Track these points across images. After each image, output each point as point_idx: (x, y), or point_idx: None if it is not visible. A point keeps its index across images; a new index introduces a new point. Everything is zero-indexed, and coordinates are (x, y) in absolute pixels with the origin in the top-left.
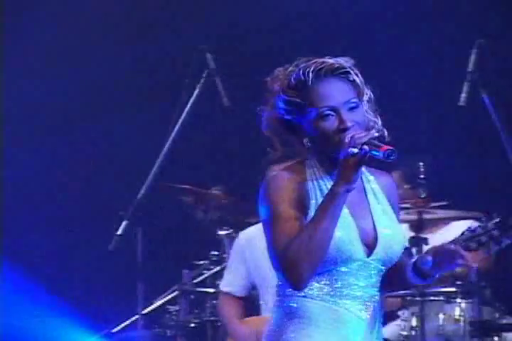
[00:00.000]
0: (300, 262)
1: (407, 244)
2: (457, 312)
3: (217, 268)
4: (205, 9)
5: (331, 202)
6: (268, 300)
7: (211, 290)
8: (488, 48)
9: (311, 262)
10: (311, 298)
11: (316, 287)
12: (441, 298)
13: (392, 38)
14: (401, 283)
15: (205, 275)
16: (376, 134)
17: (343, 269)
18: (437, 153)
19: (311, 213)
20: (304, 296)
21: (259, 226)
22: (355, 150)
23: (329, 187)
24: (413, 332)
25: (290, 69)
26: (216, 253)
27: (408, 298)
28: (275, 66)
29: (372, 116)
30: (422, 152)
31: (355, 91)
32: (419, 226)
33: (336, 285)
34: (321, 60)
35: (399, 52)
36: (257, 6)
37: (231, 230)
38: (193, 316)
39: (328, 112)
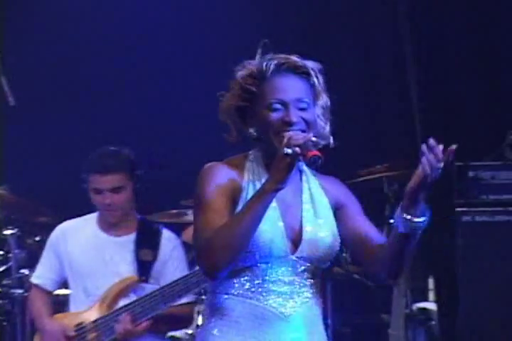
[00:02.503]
0: (217, 254)
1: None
2: None
3: (3, 267)
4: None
5: (257, 200)
6: (79, 296)
7: None
8: (272, 48)
9: (227, 255)
10: (233, 295)
11: (237, 283)
12: None
13: (177, 41)
14: (382, 265)
15: None
16: (314, 138)
17: (264, 265)
18: None
19: (240, 207)
20: (226, 293)
21: (78, 220)
22: (289, 150)
23: (263, 182)
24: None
25: (256, 60)
26: (1, 252)
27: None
28: (66, 66)
29: (323, 122)
30: None
31: (312, 93)
32: None
33: (258, 281)
34: (287, 56)
35: (182, 55)
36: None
37: (16, 230)
38: None
39: (277, 105)
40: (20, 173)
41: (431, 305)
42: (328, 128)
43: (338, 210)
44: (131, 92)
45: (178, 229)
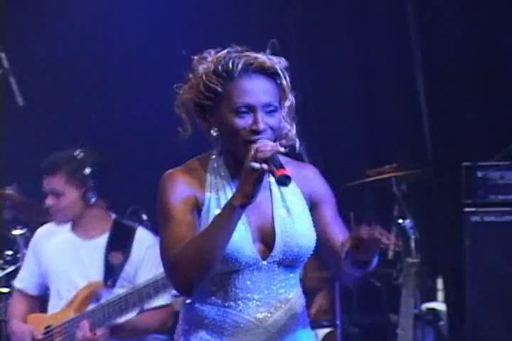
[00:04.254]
0: (187, 271)
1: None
2: None
3: (12, 267)
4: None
5: (226, 216)
6: (54, 299)
7: (5, 290)
8: (280, 48)
9: (198, 272)
10: (206, 303)
11: (210, 291)
12: None
13: (188, 39)
14: (348, 275)
15: (0, 274)
16: (282, 150)
17: (236, 274)
18: None
19: (206, 217)
20: (199, 301)
21: (55, 223)
22: (257, 165)
23: (227, 191)
24: None
25: (221, 54)
26: (10, 252)
27: None
28: (74, 65)
29: (289, 123)
30: None
31: (279, 94)
32: None
33: (231, 290)
34: (254, 55)
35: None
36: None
37: (25, 230)
38: None
39: (244, 109)
40: (28, 173)
41: (439, 305)
42: (294, 129)
43: (312, 206)
44: (135, 94)
45: None
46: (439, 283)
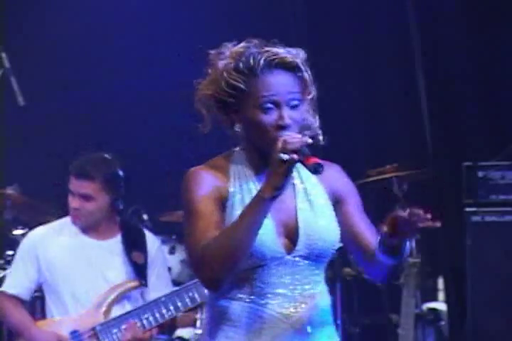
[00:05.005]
0: (216, 265)
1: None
2: None
3: None
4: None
5: (255, 208)
6: (64, 301)
7: None
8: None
9: (227, 266)
10: (231, 299)
11: (235, 287)
12: None
13: (178, 40)
14: (379, 269)
15: (1, 274)
16: (310, 141)
17: (261, 268)
18: None
19: (230, 212)
20: (224, 297)
21: (52, 225)
22: (286, 156)
23: (251, 186)
24: None
25: (239, 49)
26: (11, 252)
27: None
28: (74, 66)
29: (312, 116)
30: None
31: (301, 88)
32: None
33: (256, 285)
34: (275, 50)
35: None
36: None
37: (26, 230)
38: None
39: (270, 105)
40: (30, 173)
41: (440, 305)
42: (317, 122)
43: (336, 204)
44: (136, 93)
45: None
46: (440, 283)
